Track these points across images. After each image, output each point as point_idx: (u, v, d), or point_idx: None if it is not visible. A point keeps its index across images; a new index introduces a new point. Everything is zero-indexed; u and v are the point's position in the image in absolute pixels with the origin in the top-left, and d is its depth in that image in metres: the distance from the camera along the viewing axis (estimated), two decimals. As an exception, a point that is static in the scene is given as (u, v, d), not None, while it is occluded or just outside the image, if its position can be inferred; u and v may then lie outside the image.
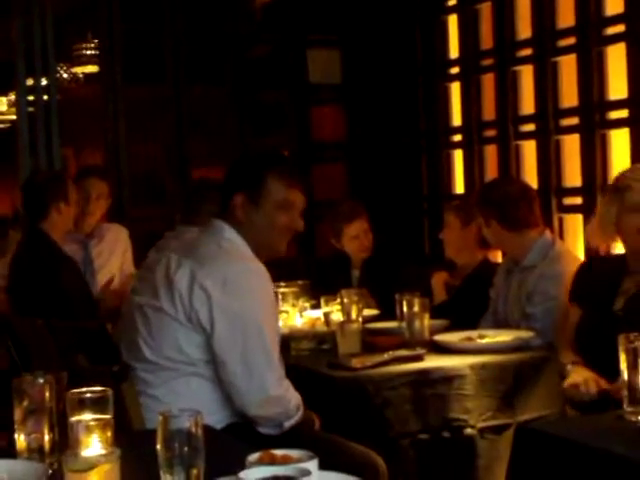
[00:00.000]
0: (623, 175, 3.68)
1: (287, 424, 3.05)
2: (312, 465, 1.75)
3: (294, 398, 3.07)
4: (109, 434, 1.97)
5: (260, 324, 2.98)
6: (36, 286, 4.65)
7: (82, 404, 2.04)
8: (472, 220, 4.75)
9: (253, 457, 1.78)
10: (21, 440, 2.08)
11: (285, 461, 1.76)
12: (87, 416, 2.01)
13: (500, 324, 4.25)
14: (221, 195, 3.21)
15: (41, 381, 2.10)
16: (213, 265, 3.00)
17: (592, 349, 3.53)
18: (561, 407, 3.47)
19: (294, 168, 3.31)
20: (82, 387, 2.10)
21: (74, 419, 2.00)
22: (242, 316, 2.96)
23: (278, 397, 3.01)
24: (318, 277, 5.17)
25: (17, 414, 2.09)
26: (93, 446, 1.93)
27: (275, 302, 3.26)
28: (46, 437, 2.08)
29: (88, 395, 2.06)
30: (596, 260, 3.92)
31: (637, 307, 3.45)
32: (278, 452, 1.79)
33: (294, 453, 1.79)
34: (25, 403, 2.08)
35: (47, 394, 2.09)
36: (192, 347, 3.00)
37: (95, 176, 5.51)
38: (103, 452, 1.87)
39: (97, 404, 2.05)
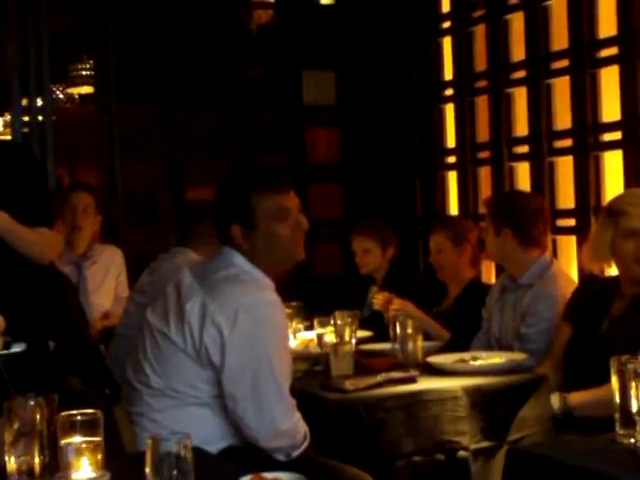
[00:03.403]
0: (617, 200, 3.70)
1: (295, 454, 3.01)
2: (302, 488, 1.75)
3: (302, 430, 3.03)
4: (99, 457, 1.97)
5: (271, 358, 2.93)
6: (34, 306, 4.62)
7: (73, 426, 2.04)
8: (464, 239, 4.76)
9: (244, 479, 1.78)
10: (11, 462, 2.07)
11: (275, 484, 1.76)
12: (77, 439, 2.00)
13: (493, 343, 4.25)
14: (216, 226, 3.16)
15: (32, 403, 2.09)
16: (225, 296, 2.95)
17: (578, 370, 3.54)
18: (549, 424, 3.49)
19: (277, 173, 3.22)
20: (74, 409, 2.09)
21: (64, 442, 2.00)
22: (253, 351, 2.92)
23: (288, 431, 2.98)
24: (318, 296, 5.19)
25: (7, 436, 2.08)
26: (83, 469, 1.93)
27: (287, 332, 3.20)
28: (36, 460, 2.07)
29: (79, 417, 2.05)
30: (593, 281, 3.93)
31: (620, 330, 3.47)
32: (268, 475, 1.79)
33: (284, 476, 1.78)
34: (16, 425, 2.08)
35: (38, 416, 2.08)
36: (200, 382, 2.97)
37: (80, 189, 5.52)
38: (93, 475, 1.87)
39: (88, 426, 2.04)
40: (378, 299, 4.75)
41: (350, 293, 5.48)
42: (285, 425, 2.96)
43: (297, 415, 3.02)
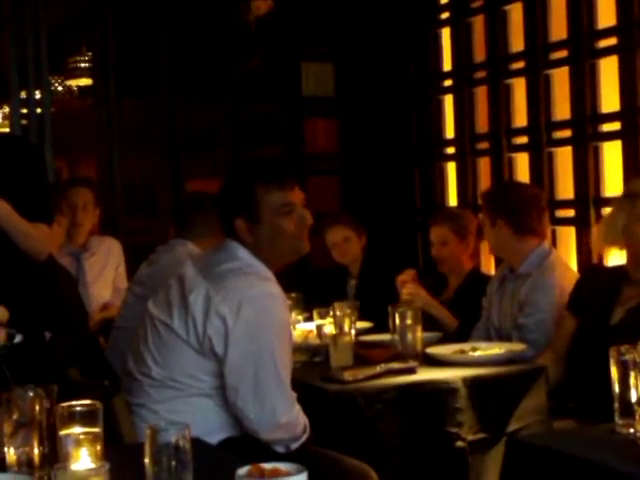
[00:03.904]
0: (634, 183, 3.67)
1: (294, 446, 3.02)
2: (301, 478, 1.75)
3: (302, 422, 3.04)
4: (98, 448, 1.96)
5: (273, 350, 2.94)
6: (32, 298, 4.62)
7: (72, 417, 2.04)
8: (467, 232, 4.77)
9: (242, 471, 1.78)
10: (11, 453, 2.08)
11: (274, 474, 1.76)
12: (77, 429, 2.00)
13: (493, 333, 4.26)
14: (220, 219, 3.15)
15: (31, 394, 2.09)
16: (229, 288, 2.96)
17: (587, 361, 3.52)
18: (545, 415, 3.49)
19: (282, 168, 3.19)
20: (73, 400, 2.09)
21: (64, 432, 2.00)
22: (255, 343, 2.93)
23: (288, 424, 2.99)
24: (314, 289, 5.20)
25: (7, 427, 2.08)
26: (82, 460, 1.93)
27: (289, 326, 3.20)
28: (36, 451, 2.07)
29: (78, 408, 2.05)
30: (597, 270, 3.91)
31: (638, 320, 3.43)
32: (267, 465, 1.79)
33: (283, 466, 1.78)
34: (15, 416, 2.08)
35: (37, 407, 2.08)
36: (202, 373, 2.98)
37: (79, 185, 5.52)
38: (92, 466, 1.87)
39: (87, 417, 2.04)
40: (407, 275, 4.70)
41: (329, 288, 5.46)
42: (285, 417, 2.97)
43: (297, 408, 3.03)
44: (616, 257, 3.86)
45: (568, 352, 3.72)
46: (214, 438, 2.92)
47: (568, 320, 3.79)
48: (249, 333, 2.92)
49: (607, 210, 4.78)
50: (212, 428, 2.95)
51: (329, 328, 4.13)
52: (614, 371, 2.41)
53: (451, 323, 4.55)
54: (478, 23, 5.92)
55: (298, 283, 5.43)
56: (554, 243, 5.23)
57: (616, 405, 2.42)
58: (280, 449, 3.01)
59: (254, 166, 3.23)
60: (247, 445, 2.96)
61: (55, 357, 3.44)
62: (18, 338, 3.03)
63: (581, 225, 5.05)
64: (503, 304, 4.26)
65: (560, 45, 5.24)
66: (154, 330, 3.06)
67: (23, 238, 3.41)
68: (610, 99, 4.95)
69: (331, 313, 4.18)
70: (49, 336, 3.52)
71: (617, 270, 3.71)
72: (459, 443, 3.39)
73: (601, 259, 4.49)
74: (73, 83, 9.57)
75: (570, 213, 5.22)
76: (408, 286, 4.61)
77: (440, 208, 6.18)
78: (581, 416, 3.46)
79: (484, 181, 5.89)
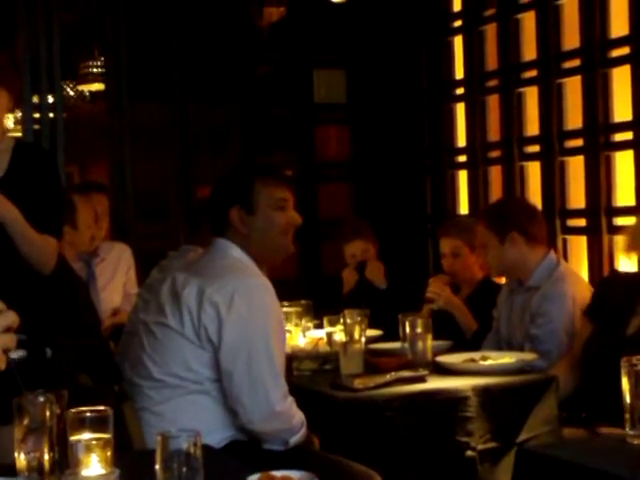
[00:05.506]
0: None
1: (292, 440, 3.06)
2: (312, 487, 1.75)
3: (297, 415, 3.08)
4: (109, 454, 1.96)
5: (267, 339, 3.00)
6: (43, 303, 4.63)
7: (82, 423, 2.04)
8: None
9: (253, 478, 1.78)
10: (21, 459, 2.07)
11: (285, 483, 1.76)
12: (87, 435, 2.00)
13: (503, 344, 4.25)
14: (213, 215, 3.24)
15: (42, 400, 2.09)
16: (221, 281, 3.02)
17: (599, 369, 3.50)
18: (556, 425, 3.48)
19: (280, 170, 3.39)
20: (83, 406, 2.09)
21: (74, 438, 2.00)
22: (249, 332, 2.98)
23: (282, 413, 3.02)
24: (327, 296, 5.20)
25: (17, 433, 2.07)
26: (93, 466, 1.93)
27: (282, 318, 3.27)
28: (46, 456, 2.06)
29: (88, 414, 2.05)
30: (616, 276, 3.89)
31: None
32: (278, 473, 1.79)
33: (294, 474, 1.78)
34: (25, 421, 2.07)
35: (48, 413, 2.08)
36: (200, 365, 3.02)
37: (97, 191, 5.54)
38: (102, 472, 1.87)
39: (97, 423, 2.04)
40: (438, 278, 4.71)
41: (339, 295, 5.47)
42: (279, 406, 3.00)
43: (290, 399, 3.07)
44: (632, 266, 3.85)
45: (581, 359, 3.70)
46: (217, 436, 2.96)
47: (585, 326, 3.78)
48: (242, 322, 2.98)
49: (618, 220, 4.83)
50: (215, 427, 2.99)
51: (339, 336, 4.13)
52: (625, 382, 2.41)
53: (471, 326, 4.55)
54: (490, 31, 5.91)
55: (309, 290, 5.43)
56: (565, 252, 5.23)
57: (627, 416, 2.42)
58: (279, 446, 3.04)
59: (254, 163, 3.47)
60: (252, 449, 2.98)
61: (64, 363, 3.44)
62: (21, 353, 3.01)
63: (592, 235, 5.04)
64: (512, 316, 4.25)
65: (573, 54, 5.23)
66: (149, 334, 3.12)
67: (30, 247, 3.36)
68: (622, 108, 4.95)
69: (341, 320, 4.17)
70: (50, 353, 3.50)
71: (636, 278, 3.69)
72: (469, 452, 3.38)
73: (613, 267, 4.48)
74: (85, 88, 9.58)
75: (581, 222, 5.21)
76: (434, 285, 4.62)
77: (451, 216, 6.18)
78: (592, 425, 3.44)
79: (495, 190, 5.89)
